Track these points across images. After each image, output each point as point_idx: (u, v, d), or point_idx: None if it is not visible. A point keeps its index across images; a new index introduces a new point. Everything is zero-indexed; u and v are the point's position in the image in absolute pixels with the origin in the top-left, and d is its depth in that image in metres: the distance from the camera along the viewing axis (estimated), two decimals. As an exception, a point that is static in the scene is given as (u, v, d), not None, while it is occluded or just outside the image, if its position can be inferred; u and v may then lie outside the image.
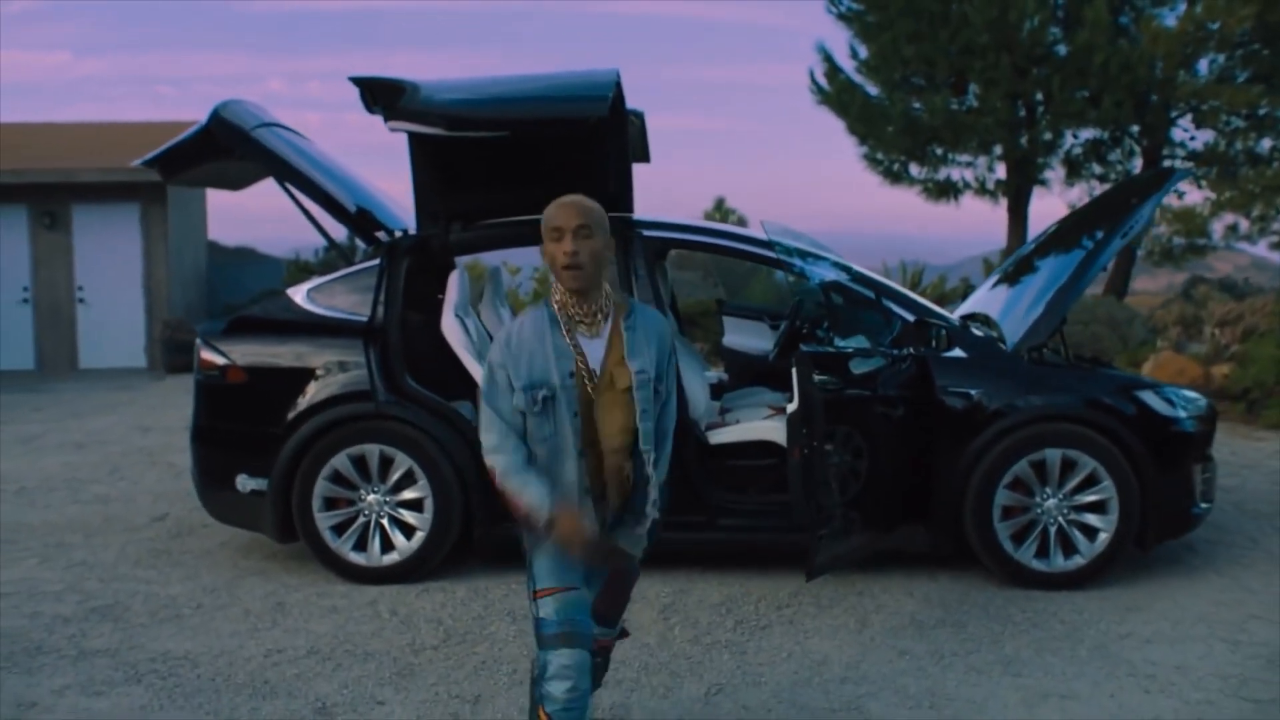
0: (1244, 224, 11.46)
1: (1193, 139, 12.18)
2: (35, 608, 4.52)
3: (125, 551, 5.35)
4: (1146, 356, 9.52)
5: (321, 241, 5.76)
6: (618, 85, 4.53)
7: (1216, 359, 9.35)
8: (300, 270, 15.86)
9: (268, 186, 5.91)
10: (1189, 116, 11.69)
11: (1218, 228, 11.52)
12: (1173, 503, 4.76)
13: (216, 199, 16.31)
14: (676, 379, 2.84)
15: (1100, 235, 5.02)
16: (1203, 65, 11.25)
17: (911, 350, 4.72)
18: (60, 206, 13.29)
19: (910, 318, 4.85)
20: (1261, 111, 11.07)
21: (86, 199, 13.29)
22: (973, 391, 4.69)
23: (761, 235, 5.09)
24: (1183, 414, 4.82)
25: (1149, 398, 4.81)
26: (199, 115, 5.12)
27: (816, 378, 4.05)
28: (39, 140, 14.82)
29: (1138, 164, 12.07)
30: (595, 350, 2.62)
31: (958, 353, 4.77)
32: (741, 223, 20.66)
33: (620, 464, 2.65)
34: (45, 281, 13.40)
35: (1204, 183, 11.88)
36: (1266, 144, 11.44)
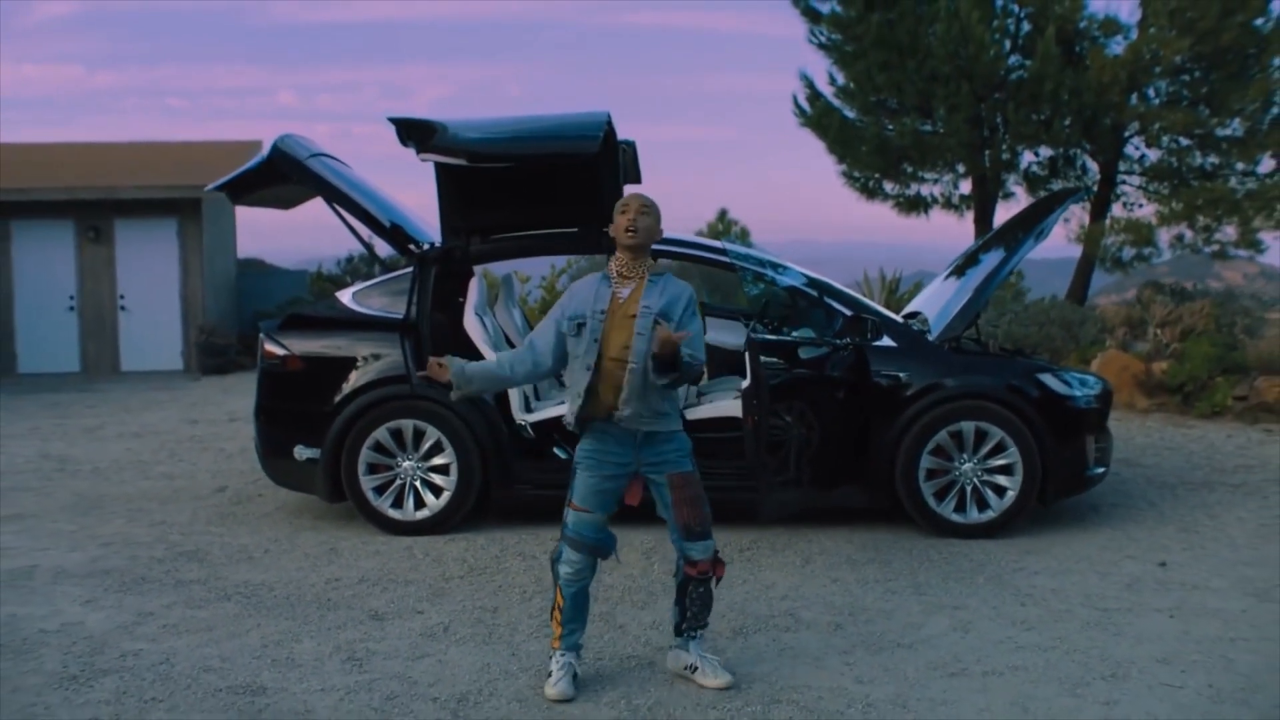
0: (1189, 234, 12.45)
1: (1143, 157, 13.25)
2: (132, 553, 5.53)
3: (197, 514, 6.36)
4: (1095, 354, 10.41)
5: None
6: (609, 123, 5.53)
7: (1157, 356, 10.21)
8: (322, 280, 16.94)
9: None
10: (1140, 136, 12.71)
11: (1165, 237, 12.55)
12: (1069, 466, 5.73)
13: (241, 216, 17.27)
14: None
15: (1015, 241, 6.02)
16: (1152, 90, 12.28)
17: (849, 340, 5.70)
18: (104, 222, 14.35)
19: (849, 313, 5.83)
20: (1199, 132, 12.07)
21: (128, 214, 14.35)
22: (900, 374, 5.68)
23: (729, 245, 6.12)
24: (1078, 393, 5.79)
25: (1049, 380, 5.78)
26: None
27: (764, 359, 5.04)
28: (84, 159, 15.87)
29: (1095, 180, 13.13)
30: (624, 294, 3.65)
31: (888, 342, 5.75)
32: (744, 233, 21.89)
33: (612, 370, 3.60)
34: (90, 291, 14.46)
35: (1153, 196, 12.91)
36: (1212, 160, 12.44)
